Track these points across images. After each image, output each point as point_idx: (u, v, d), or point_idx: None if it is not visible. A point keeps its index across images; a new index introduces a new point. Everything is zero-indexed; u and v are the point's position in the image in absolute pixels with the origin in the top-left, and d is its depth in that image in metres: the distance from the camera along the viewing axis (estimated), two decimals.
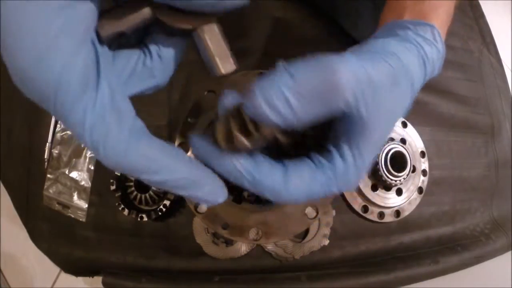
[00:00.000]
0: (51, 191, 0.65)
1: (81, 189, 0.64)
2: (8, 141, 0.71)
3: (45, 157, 0.65)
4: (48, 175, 0.65)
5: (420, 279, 0.59)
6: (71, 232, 0.64)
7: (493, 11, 0.86)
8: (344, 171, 0.26)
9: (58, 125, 0.67)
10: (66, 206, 0.64)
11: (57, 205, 0.65)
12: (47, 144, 0.66)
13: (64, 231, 0.64)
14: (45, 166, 0.66)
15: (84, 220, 0.63)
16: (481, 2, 0.83)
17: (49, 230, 0.65)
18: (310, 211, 0.42)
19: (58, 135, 0.66)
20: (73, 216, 0.64)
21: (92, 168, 0.64)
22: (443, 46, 0.32)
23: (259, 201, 0.45)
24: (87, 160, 0.65)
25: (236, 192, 0.45)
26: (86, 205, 0.64)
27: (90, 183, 0.64)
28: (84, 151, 0.66)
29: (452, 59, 0.73)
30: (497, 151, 0.71)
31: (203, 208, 0.42)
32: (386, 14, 0.37)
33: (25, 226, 0.67)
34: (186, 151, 0.45)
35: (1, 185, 0.72)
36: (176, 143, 0.46)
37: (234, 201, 0.42)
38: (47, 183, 0.65)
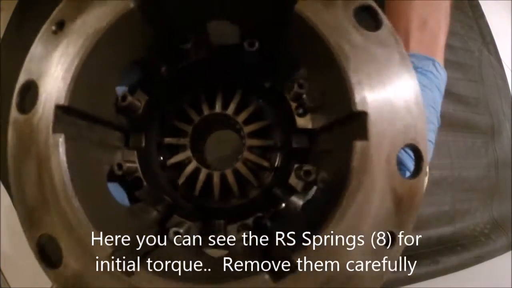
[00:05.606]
0: None
1: None
2: None
3: None
4: None
5: (420, 279, 0.59)
6: None
7: (493, 11, 0.86)
8: None
9: None
10: None
11: None
12: None
13: None
14: None
15: None
16: (481, 2, 0.83)
17: None
18: None
19: None
20: None
21: None
22: (443, 70, 0.43)
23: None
24: None
25: None
26: None
27: None
28: None
29: (452, 59, 0.72)
30: (497, 151, 0.71)
31: None
32: None
33: None
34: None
35: (1, 185, 0.72)
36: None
37: None
38: None
